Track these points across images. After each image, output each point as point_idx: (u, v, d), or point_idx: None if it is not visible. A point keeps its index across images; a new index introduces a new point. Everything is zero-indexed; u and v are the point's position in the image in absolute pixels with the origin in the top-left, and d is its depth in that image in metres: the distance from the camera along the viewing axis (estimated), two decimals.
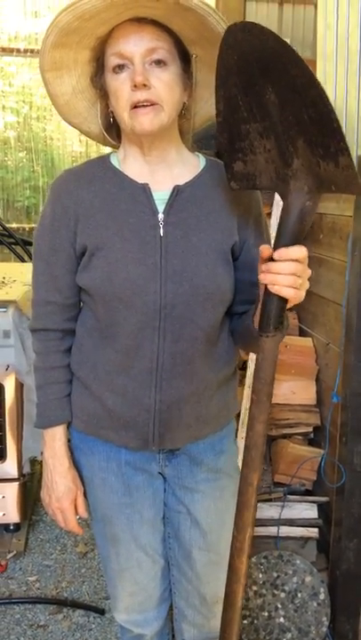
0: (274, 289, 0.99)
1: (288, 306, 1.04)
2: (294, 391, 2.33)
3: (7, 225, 3.91)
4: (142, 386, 1.23)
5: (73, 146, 4.89)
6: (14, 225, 4.56)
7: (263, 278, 0.99)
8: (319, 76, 2.50)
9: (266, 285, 1.01)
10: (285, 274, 0.98)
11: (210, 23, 1.09)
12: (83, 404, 1.32)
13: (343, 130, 0.87)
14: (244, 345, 1.33)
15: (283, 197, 0.99)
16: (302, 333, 2.49)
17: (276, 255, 0.98)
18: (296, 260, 0.98)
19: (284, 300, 1.01)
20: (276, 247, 0.99)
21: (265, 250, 1.00)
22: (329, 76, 2.39)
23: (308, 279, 1.03)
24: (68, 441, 1.37)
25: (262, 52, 0.91)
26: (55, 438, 1.33)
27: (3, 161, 4.98)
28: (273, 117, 0.94)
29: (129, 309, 1.19)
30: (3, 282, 2.71)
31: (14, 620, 2.17)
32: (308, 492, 2.29)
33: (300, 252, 0.98)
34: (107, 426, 1.29)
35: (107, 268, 1.19)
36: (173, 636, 1.57)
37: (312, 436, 2.34)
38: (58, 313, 1.30)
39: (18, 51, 4.55)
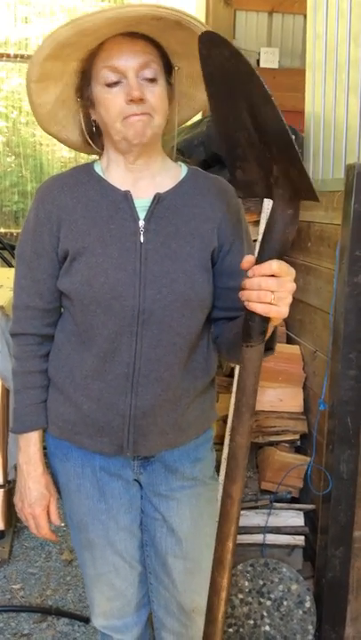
0: (250, 306, 0.98)
1: (271, 322, 1.03)
2: (281, 398, 2.33)
3: None
4: (118, 391, 1.24)
5: (62, 151, 4.88)
6: (2, 230, 4.53)
7: (241, 294, 0.99)
8: (308, 85, 2.52)
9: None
10: (256, 289, 0.97)
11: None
12: (58, 409, 1.32)
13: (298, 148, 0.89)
14: (232, 353, 1.30)
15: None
16: (290, 341, 2.49)
17: (251, 272, 0.98)
18: (272, 276, 0.96)
19: (260, 314, 1.00)
20: (258, 259, 0.98)
21: (245, 262, 0.99)
22: (318, 85, 2.41)
23: (295, 290, 1.01)
24: (44, 448, 1.37)
25: (232, 68, 0.92)
26: (30, 444, 1.33)
27: None
28: (248, 127, 0.95)
29: (107, 314, 1.20)
30: None
31: None
32: (294, 500, 2.29)
33: (272, 267, 0.96)
34: (81, 431, 1.29)
35: (87, 272, 1.20)
36: None
37: (299, 443, 2.34)
38: (38, 318, 1.31)
39: (8, 56, 4.55)
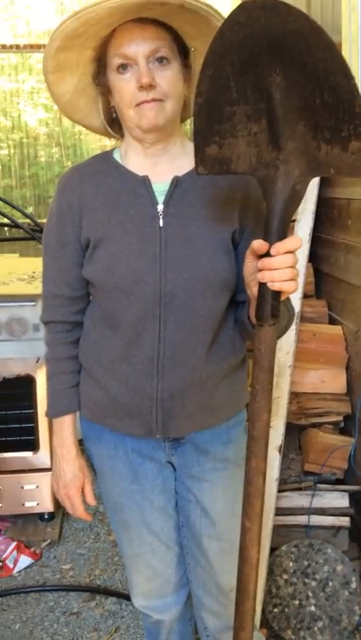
0: (275, 286, 0.97)
1: (283, 297, 1.03)
2: (324, 380, 2.30)
3: (38, 220, 3.96)
4: (144, 374, 1.25)
5: (103, 140, 4.92)
6: (45, 220, 4.61)
7: (262, 277, 0.98)
8: None
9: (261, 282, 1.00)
10: (285, 267, 0.97)
11: (210, 22, 1.11)
12: (89, 392, 1.34)
13: None
14: (243, 337, 1.32)
15: (266, 182, 0.98)
16: (332, 321, 2.46)
17: (274, 250, 0.97)
18: (292, 252, 0.97)
19: (279, 291, 1.00)
20: (267, 238, 0.98)
21: (262, 245, 0.98)
22: (354, 58, 2.35)
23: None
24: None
25: (282, 32, 0.91)
26: (63, 427, 1.37)
27: (36, 157, 5.05)
28: (272, 100, 0.93)
29: (129, 299, 1.21)
30: (32, 276, 2.76)
31: (48, 608, 2.21)
32: (339, 481, 2.27)
33: (297, 242, 0.97)
34: (112, 414, 1.31)
35: (108, 259, 1.21)
36: (195, 623, 1.58)
37: (342, 424, 2.31)
38: (66, 306, 1.33)
39: None
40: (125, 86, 1.15)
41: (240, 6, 0.94)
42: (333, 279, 2.40)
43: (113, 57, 1.15)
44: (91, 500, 1.40)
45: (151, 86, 1.12)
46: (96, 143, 4.98)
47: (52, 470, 1.41)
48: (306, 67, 0.91)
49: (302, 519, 2.17)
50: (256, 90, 0.94)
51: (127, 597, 2.22)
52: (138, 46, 1.12)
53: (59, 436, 1.37)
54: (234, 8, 0.93)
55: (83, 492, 1.39)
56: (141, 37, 1.12)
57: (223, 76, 0.95)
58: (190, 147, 1.27)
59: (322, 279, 2.52)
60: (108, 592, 2.27)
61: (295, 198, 0.97)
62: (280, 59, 0.92)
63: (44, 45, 4.60)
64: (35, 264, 3.09)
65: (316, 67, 0.90)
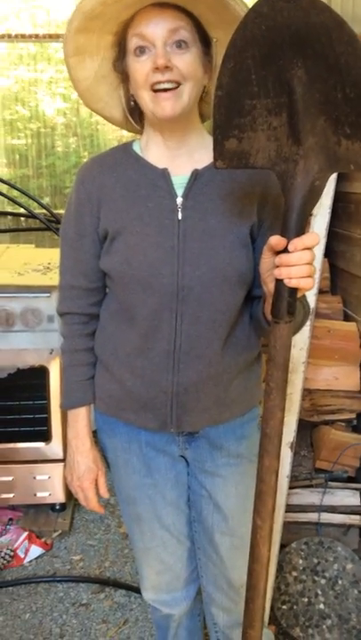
0: (292, 283, 0.96)
1: (300, 294, 1.02)
2: (337, 377, 2.28)
3: (55, 211, 3.96)
4: (160, 368, 1.25)
5: (121, 131, 4.90)
6: (61, 211, 4.62)
7: (279, 273, 0.97)
8: None
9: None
10: (302, 264, 0.96)
11: (231, 7, 1.09)
12: (104, 385, 1.34)
13: None
14: (259, 331, 1.32)
15: (285, 177, 0.97)
16: (347, 318, 2.44)
17: (292, 247, 0.96)
18: (309, 249, 0.96)
19: (295, 288, 0.99)
20: (285, 234, 0.97)
21: (280, 241, 0.97)
22: None
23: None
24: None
25: (304, 24, 0.90)
26: (78, 419, 1.37)
27: (53, 147, 5.04)
28: (294, 94, 0.92)
29: (146, 292, 1.20)
30: (47, 267, 2.76)
31: (57, 598, 2.22)
32: (350, 479, 2.25)
33: (315, 239, 0.96)
34: (127, 407, 1.31)
35: (126, 251, 1.21)
36: (204, 618, 1.58)
37: (355, 422, 2.30)
38: (83, 297, 1.33)
39: None
40: (140, 68, 1.13)
41: None
42: (349, 275, 2.38)
43: (131, 38, 1.14)
44: (104, 493, 1.41)
45: (167, 68, 1.10)
46: (113, 134, 4.97)
47: (66, 462, 1.41)
48: (328, 60, 0.90)
49: (313, 516, 2.16)
50: (277, 83, 0.93)
51: (136, 590, 2.23)
52: (156, 26, 1.11)
53: (73, 428, 1.38)
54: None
55: (96, 484, 1.40)
56: (160, 18, 1.11)
57: (244, 69, 0.94)
58: (209, 140, 1.26)
59: (337, 275, 2.49)
60: (117, 584, 2.28)
61: (314, 194, 0.96)
62: (302, 52, 0.91)
63: (59, 35, 4.59)
64: (50, 255, 3.10)
65: (339, 61, 0.89)
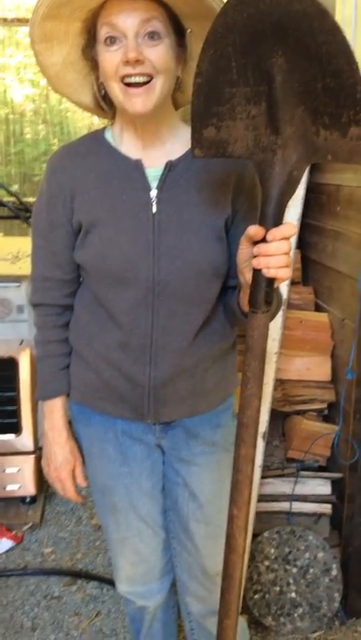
0: (270, 273, 0.96)
1: (277, 284, 1.02)
2: (309, 367, 2.30)
3: (24, 199, 3.90)
4: (137, 362, 1.24)
5: (92, 118, 4.84)
6: (30, 199, 4.54)
7: (257, 263, 0.96)
8: None
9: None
10: (280, 254, 0.95)
11: (206, 1, 1.06)
12: (80, 374, 1.33)
13: None
14: (232, 320, 1.31)
15: (263, 167, 0.96)
16: (318, 308, 2.45)
17: (270, 237, 0.95)
18: (287, 239, 0.96)
19: (273, 278, 0.99)
20: (262, 224, 0.96)
21: (259, 231, 0.96)
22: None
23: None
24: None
25: (286, 12, 0.88)
26: (53, 410, 1.35)
27: (22, 134, 4.95)
28: (273, 82, 0.91)
29: (122, 286, 1.19)
30: (16, 257, 2.71)
31: (29, 591, 2.20)
32: (321, 469, 2.27)
33: (292, 229, 0.96)
34: (103, 397, 1.30)
35: (100, 245, 1.19)
36: (179, 610, 1.58)
37: (326, 412, 2.32)
38: (56, 289, 1.31)
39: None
40: (110, 58, 1.09)
41: None
42: (321, 266, 2.39)
43: (101, 27, 1.10)
44: (81, 482, 1.40)
45: (138, 61, 1.07)
46: (83, 121, 4.90)
47: (43, 453, 1.40)
48: (309, 49, 0.88)
49: (284, 506, 2.17)
50: (257, 72, 0.92)
51: (109, 582, 2.22)
52: (127, 16, 1.06)
53: (49, 420, 1.36)
54: None
55: (73, 473, 1.39)
56: (132, 9, 1.07)
57: (224, 57, 0.92)
58: (181, 129, 1.24)
59: (309, 266, 2.50)
60: (89, 576, 2.27)
61: (292, 184, 0.96)
62: (283, 40, 0.89)
63: (28, 19, 4.51)
64: (19, 243, 3.04)
65: (320, 50, 0.88)
